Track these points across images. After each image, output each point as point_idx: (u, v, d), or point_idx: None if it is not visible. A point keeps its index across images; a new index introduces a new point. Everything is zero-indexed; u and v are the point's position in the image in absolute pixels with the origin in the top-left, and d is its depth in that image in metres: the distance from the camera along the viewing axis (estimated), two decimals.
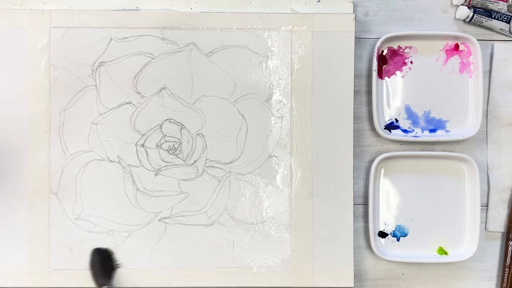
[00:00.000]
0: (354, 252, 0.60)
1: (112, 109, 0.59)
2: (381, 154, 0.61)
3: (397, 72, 0.62)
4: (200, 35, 0.60)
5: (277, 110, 0.60)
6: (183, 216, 0.60)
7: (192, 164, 0.60)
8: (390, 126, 0.62)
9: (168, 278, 0.59)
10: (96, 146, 0.59)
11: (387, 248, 0.62)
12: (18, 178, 0.59)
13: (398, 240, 0.62)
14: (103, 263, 0.58)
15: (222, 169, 0.60)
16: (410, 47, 0.62)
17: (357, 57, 0.62)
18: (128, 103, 0.60)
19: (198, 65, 0.60)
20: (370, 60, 0.62)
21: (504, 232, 0.63)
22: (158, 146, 0.60)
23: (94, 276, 0.58)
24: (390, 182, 0.62)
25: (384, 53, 0.62)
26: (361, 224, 0.63)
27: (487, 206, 0.63)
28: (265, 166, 0.60)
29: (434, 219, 0.62)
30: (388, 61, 0.62)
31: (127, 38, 0.59)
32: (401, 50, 0.62)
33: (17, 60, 0.59)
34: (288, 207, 0.60)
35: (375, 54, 0.60)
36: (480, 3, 0.62)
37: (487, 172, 0.63)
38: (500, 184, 0.63)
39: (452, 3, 0.63)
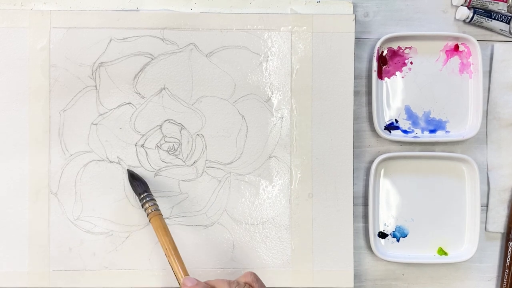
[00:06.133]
0: (354, 252, 0.60)
1: (112, 109, 0.59)
2: (381, 154, 0.61)
3: (397, 73, 0.62)
4: (200, 35, 0.60)
5: (277, 111, 0.60)
6: (183, 216, 0.60)
7: (192, 164, 0.60)
8: (390, 127, 0.62)
9: (168, 278, 0.59)
10: (96, 147, 0.59)
11: (387, 249, 0.62)
12: (18, 178, 0.59)
13: (398, 240, 0.62)
14: (137, 176, 0.58)
15: (222, 169, 0.60)
16: (410, 48, 0.62)
17: (357, 57, 0.62)
18: (128, 103, 0.60)
19: (198, 65, 0.60)
20: (370, 61, 0.62)
21: (504, 233, 0.63)
22: (158, 146, 0.60)
23: (133, 185, 0.57)
24: (390, 183, 0.62)
25: (384, 54, 0.62)
26: (361, 224, 0.63)
27: (487, 207, 0.63)
28: (265, 166, 0.60)
29: (434, 220, 0.62)
30: (388, 61, 0.62)
31: (127, 38, 0.59)
32: (401, 50, 0.62)
33: (17, 60, 0.59)
34: (288, 207, 0.60)
35: (375, 54, 0.60)
36: (480, 3, 0.62)
37: (487, 173, 0.63)
38: (500, 185, 0.63)
39: (452, 4, 0.63)
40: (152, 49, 0.59)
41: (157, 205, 0.56)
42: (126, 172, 0.59)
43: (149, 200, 0.55)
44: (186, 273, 0.52)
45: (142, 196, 0.56)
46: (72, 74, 0.59)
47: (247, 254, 0.60)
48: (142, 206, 0.56)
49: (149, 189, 0.57)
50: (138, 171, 0.59)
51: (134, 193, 0.58)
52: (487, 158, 0.63)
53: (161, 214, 0.55)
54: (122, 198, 0.59)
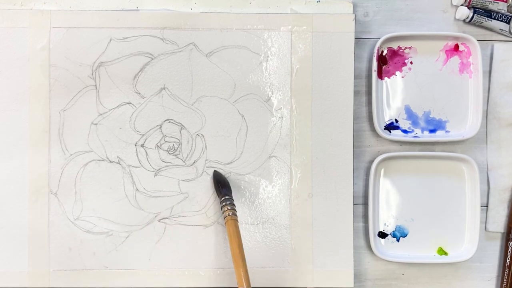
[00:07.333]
0: (354, 252, 0.60)
1: (112, 109, 0.59)
2: (381, 154, 0.61)
3: (397, 73, 0.62)
4: (200, 35, 0.60)
5: (277, 111, 0.60)
6: (183, 216, 0.60)
7: (192, 164, 0.60)
8: (390, 127, 0.62)
9: (168, 278, 0.59)
10: (96, 147, 0.59)
11: (387, 249, 0.62)
12: (18, 178, 0.59)
13: (398, 240, 0.62)
14: (223, 179, 0.59)
15: (222, 169, 0.60)
16: (410, 48, 0.62)
17: (357, 57, 0.62)
18: (128, 103, 0.60)
19: (198, 65, 0.60)
20: (370, 61, 0.62)
21: (504, 233, 0.63)
22: (158, 146, 0.60)
23: (217, 188, 0.58)
24: (390, 183, 0.62)
25: (384, 54, 0.62)
26: (361, 224, 0.63)
27: (487, 207, 0.63)
28: (265, 166, 0.60)
29: (434, 219, 0.62)
30: (388, 61, 0.62)
31: (127, 38, 0.59)
32: (401, 50, 0.62)
33: (17, 60, 0.59)
34: (288, 207, 0.60)
35: (375, 54, 0.60)
36: (480, 3, 0.62)
37: (487, 173, 0.63)
38: (500, 185, 0.63)
39: (452, 4, 0.63)
40: (152, 49, 0.59)
41: (235, 210, 0.56)
42: (212, 173, 0.59)
43: (228, 204, 0.55)
44: (248, 284, 0.51)
45: (222, 198, 0.56)
46: (72, 74, 0.59)
47: (247, 254, 0.60)
48: (221, 208, 0.56)
49: (231, 193, 0.58)
50: (138, 170, 0.59)
51: (130, 192, 0.58)
52: (487, 158, 0.63)
53: (237, 220, 0.55)
54: (122, 198, 0.59)
